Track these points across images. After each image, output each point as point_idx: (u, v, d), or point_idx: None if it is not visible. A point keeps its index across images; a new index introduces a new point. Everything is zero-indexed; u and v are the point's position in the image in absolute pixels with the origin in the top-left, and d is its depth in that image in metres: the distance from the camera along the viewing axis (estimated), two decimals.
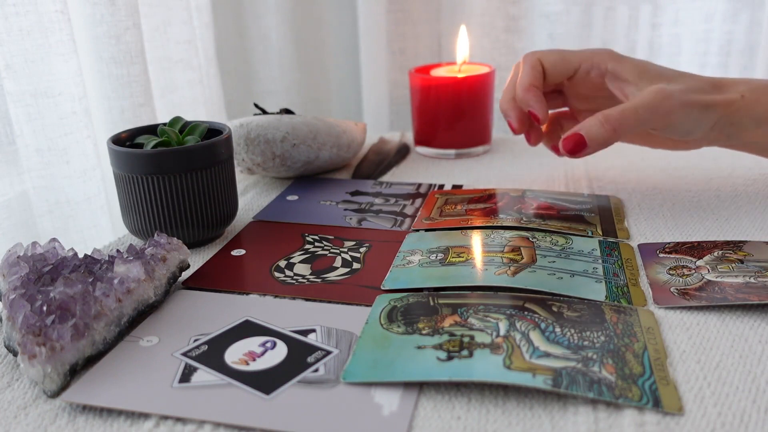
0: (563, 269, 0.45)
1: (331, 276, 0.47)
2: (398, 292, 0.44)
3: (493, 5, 1.04)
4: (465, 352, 0.36)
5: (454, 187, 0.64)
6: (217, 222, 0.53)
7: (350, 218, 0.57)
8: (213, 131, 0.55)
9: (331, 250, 0.51)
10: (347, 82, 1.15)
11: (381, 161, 0.73)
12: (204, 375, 0.36)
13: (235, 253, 0.51)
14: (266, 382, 0.35)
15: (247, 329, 0.40)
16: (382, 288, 0.44)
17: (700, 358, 0.36)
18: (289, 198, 0.62)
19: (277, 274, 0.47)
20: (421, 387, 0.35)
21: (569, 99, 0.62)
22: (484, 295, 0.42)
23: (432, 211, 0.57)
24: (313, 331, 0.40)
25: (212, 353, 0.38)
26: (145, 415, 0.34)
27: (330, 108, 1.16)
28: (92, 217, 0.73)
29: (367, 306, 0.42)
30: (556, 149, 0.62)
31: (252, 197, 0.64)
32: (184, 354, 0.38)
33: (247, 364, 0.37)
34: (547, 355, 0.36)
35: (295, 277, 0.47)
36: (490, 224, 0.53)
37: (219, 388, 0.35)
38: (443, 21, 1.07)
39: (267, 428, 0.32)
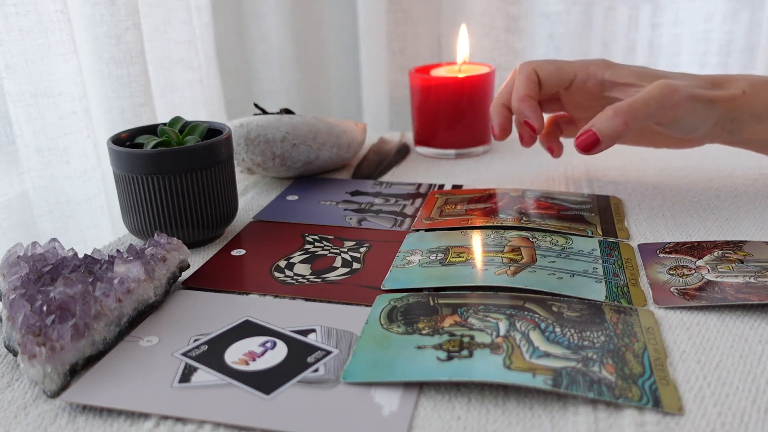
0: (563, 269, 0.45)
1: (331, 276, 0.47)
2: (398, 292, 0.44)
3: (493, 5, 1.04)
4: (465, 352, 0.36)
5: (454, 187, 0.64)
6: (217, 222, 0.53)
7: (350, 218, 0.57)
8: (213, 131, 0.55)
9: (331, 250, 0.51)
10: (347, 82, 1.15)
11: (381, 161, 0.73)
12: (204, 375, 0.36)
13: (235, 253, 0.51)
14: (266, 382, 0.35)
15: (247, 329, 0.40)
16: (382, 288, 0.44)
17: (700, 358, 0.36)
18: (289, 198, 0.62)
19: (277, 274, 0.47)
20: (421, 387, 0.35)
21: (566, 107, 0.62)
22: (484, 295, 0.42)
23: (432, 211, 0.57)
24: (313, 331, 0.40)
25: (212, 353, 0.38)
26: (145, 415, 0.34)
27: (330, 108, 1.16)
28: (92, 217, 0.73)
29: (367, 306, 0.42)
30: (551, 150, 0.62)
31: (252, 197, 0.64)
32: (184, 354, 0.38)
33: (247, 364, 0.37)
34: (547, 355, 0.36)
35: (295, 277, 0.47)
36: (490, 224, 0.53)
37: (219, 388, 0.35)
38: (443, 21, 1.07)
39: (267, 428, 0.32)
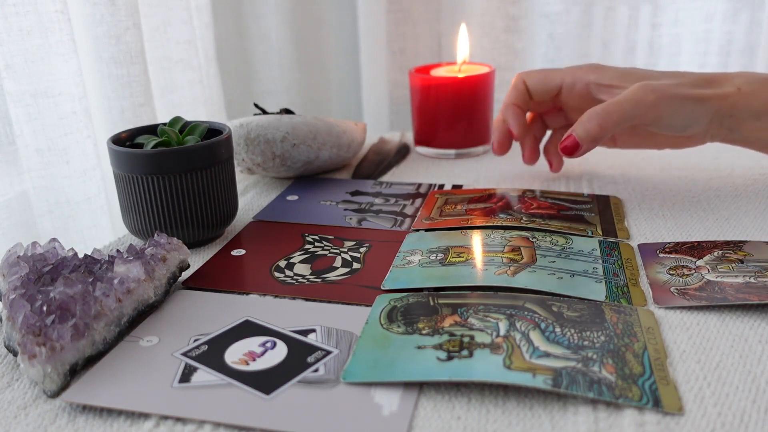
0: (563, 269, 0.45)
1: (331, 276, 0.47)
2: (398, 292, 0.44)
3: (493, 5, 1.04)
4: (465, 352, 0.36)
5: (454, 187, 0.64)
6: (217, 222, 0.53)
7: (350, 218, 0.57)
8: (213, 131, 0.55)
9: (331, 250, 0.51)
10: (347, 82, 1.15)
11: (381, 161, 0.73)
12: (204, 375, 0.36)
13: (235, 253, 0.51)
14: (266, 382, 0.35)
15: (247, 329, 0.40)
16: (382, 288, 0.44)
17: (700, 358, 0.36)
18: (289, 198, 0.62)
19: (277, 274, 0.47)
20: (421, 387, 0.35)
21: (568, 114, 0.63)
22: (484, 295, 0.42)
23: (432, 211, 0.57)
24: (313, 331, 0.40)
25: (212, 353, 0.38)
26: (145, 415, 0.34)
27: (330, 108, 1.16)
28: (92, 217, 0.73)
29: (367, 306, 0.42)
30: (550, 163, 0.64)
31: (252, 197, 0.64)
32: (184, 354, 0.38)
33: (247, 364, 0.37)
34: (547, 355, 0.36)
35: (295, 277, 0.47)
36: (490, 224, 0.53)
37: (219, 388, 0.35)
38: (443, 21, 1.07)
39: (267, 428, 0.32)
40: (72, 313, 0.37)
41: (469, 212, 0.56)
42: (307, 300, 0.44)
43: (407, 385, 0.35)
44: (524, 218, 0.54)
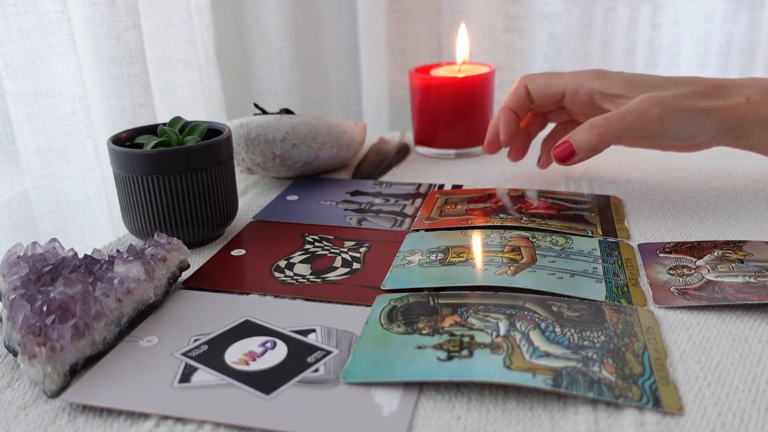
0: (563, 269, 0.45)
1: (331, 276, 0.47)
2: (398, 292, 0.44)
3: (493, 5, 1.04)
4: (465, 352, 0.36)
5: (454, 187, 0.64)
6: (217, 222, 0.53)
7: (350, 218, 0.57)
8: (213, 131, 0.55)
9: (331, 250, 0.51)
10: (347, 82, 1.15)
11: (381, 161, 0.73)
12: (204, 375, 0.36)
13: (235, 253, 0.51)
14: (266, 382, 0.35)
15: (247, 329, 0.40)
16: (382, 288, 0.44)
17: (700, 358, 0.36)
18: (289, 198, 0.62)
19: (277, 274, 0.47)
20: (421, 387, 0.35)
21: (572, 116, 0.63)
22: (484, 295, 0.42)
23: (432, 211, 0.57)
24: (313, 331, 0.40)
25: (212, 353, 0.38)
26: (145, 415, 0.34)
27: (330, 108, 1.16)
28: (92, 217, 0.73)
29: (367, 306, 0.42)
30: (540, 159, 0.64)
31: (252, 197, 0.64)
32: (184, 354, 0.38)
33: (247, 364, 0.37)
34: (547, 354, 0.36)
35: (295, 277, 0.47)
36: (490, 224, 0.53)
37: (219, 388, 0.35)
38: (443, 21, 1.07)
39: (267, 428, 0.32)
40: (72, 313, 0.37)
41: (469, 212, 0.56)
42: (307, 300, 0.44)
43: (407, 385, 0.35)
44: (524, 218, 0.54)
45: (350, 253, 0.50)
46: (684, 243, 0.49)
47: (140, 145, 0.52)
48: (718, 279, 0.43)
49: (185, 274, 0.48)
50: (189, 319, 0.42)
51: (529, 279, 0.44)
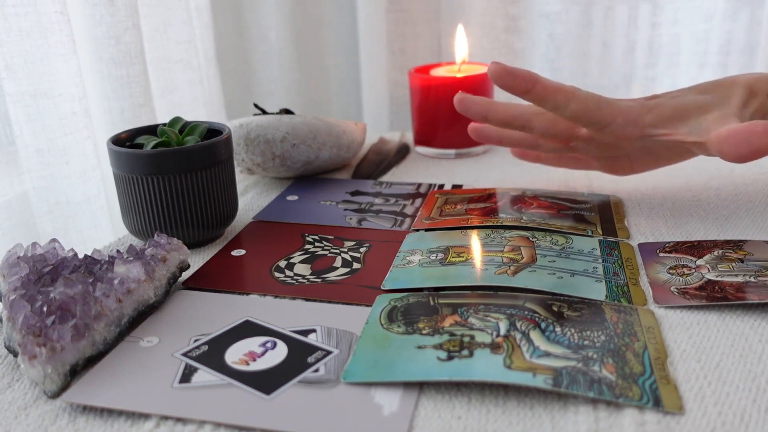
0: (563, 269, 0.45)
1: (331, 276, 0.47)
2: (398, 292, 0.44)
3: (492, 5, 1.04)
4: (465, 352, 0.36)
5: (454, 187, 0.64)
6: (217, 222, 0.53)
7: (350, 218, 0.57)
8: (213, 131, 0.55)
9: (331, 250, 0.51)
10: (347, 82, 1.15)
11: (381, 161, 0.73)
12: (204, 375, 0.36)
13: (235, 253, 0.51)
14: (266, 382, 0.35)
15: (248, 329, 0.40)
16: (382, 288, 0.44)
17: (701, 358, 0.36)
18: (289, 198, 0.62)
19: (277, 274, 0.47)
20: (421, 387, 0.35)
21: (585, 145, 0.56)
22: (485, 295, 0.42)
23: (432, 210, 0.57)
24: (314, 331, 0.40)
25: (212, 353, 0.38)
26: (145, 416, 0.34)
27: (330, 108, 1.16)
28: (92, 217, 0.73)
29: (367, 306, 0.42)
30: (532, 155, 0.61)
31: (252, 197, 0.64)
32: (185, 354, 0.38)
33: (248, 364, 0.37)
34: (547, 354, 0.36)
35: (295, 277, 0.47)
36: (490, 224, 0.53)
37: (219, 388, 0.35)
38: (443, 21, 1.07)
39: (267, 428, 0.32)
40: (72, 313, 0.37)
41: (469, 212, 0.56)
42: (307, 300, 0.44)
43: (407, 385, 0.35)
44: (524, 218, 0.54)
45: (350, 253, 0.50)
46: (684, 242, 0.49)
47: (140, 146, 0.52)
48: (719, 278, 0.43)
49: (185, 275, 0.48)
50: (189, 320, 0.42)
51: (529, 279, 0.44)
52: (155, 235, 0.46)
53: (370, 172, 0.70)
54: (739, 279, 0.43)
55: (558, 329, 0.38)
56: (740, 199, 0.57)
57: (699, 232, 0.52)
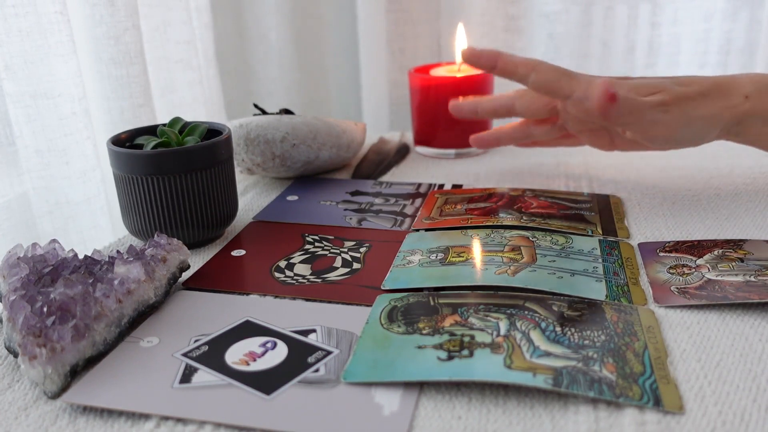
0: (563, 268, 0.45)
1: (332, 276, 0.47)
2: (398, 292, 0.44)
3: (492, 5, 1.04)
4: (465, 352, 0.36)
5: (454, 186, 0.64)
6: (217, 222, 0.53)
7: (350, 218, 0.57)
8: (213, 132, 0.55)
9: (331, 250, 0.51)
10: (347, 82, 1.15)
11: (381, 161, 0.73)
12: (204, 375, 0.36)
13: (235, 253, 0.51)
14: (267, 382, 0.35)
15: (248, 329, 0.40)
16: (383, 288, 0.44)
17: (701, 357, 0.36)
18: (289, 198, 0.62)
19: (277, 275, 0.47)
20: (421, 387, 0.35)
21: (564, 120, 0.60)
22: (485, 295, 0.42)
23: (432, 210, 0.57)
24: (314, 331, 0.40)
25: (213, 354, 0.38)
26: (145, 416, 0.34)
27: (330, 108, 1.16)
28: (92, 217, 0.73)
29: (367, 306, 0.42)
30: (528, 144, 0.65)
31: (252, 197, 0.64)
32: (185, 354, 0.38)
33: (248, 364, 0.37)
34: (547, 354, 0.36)
35: (295, 278, 0.47)
36: (490, 224, 0.53)
37: (219, 388, 0.35)
38: (443, 21, 1.07)
39: (267, 428, 0.32)
40: (72, 314, 0.37)
41: (469, 212, 0.56)
42: (307, 300, 0.44)
43: (408, 385, 0.35)
44: (524, 218, 0.54)
45: (350, 253, 0.50)
46: (684, 242, 0.49)
47: (140, 146, 0.52)
48: (719, 278, 0.43)
49: (185, 275, 0.48)
50: (189, 320, 0.42)
51: (529, 278, 0.44)
52: (155, 236, 0.46)
53: (370, 172, 0.70)
54: (739, 278, 0.43)
55: (558, 329, 0.38)
56: (740, 199, 0.57)
57: (699, 231, 0.52)
